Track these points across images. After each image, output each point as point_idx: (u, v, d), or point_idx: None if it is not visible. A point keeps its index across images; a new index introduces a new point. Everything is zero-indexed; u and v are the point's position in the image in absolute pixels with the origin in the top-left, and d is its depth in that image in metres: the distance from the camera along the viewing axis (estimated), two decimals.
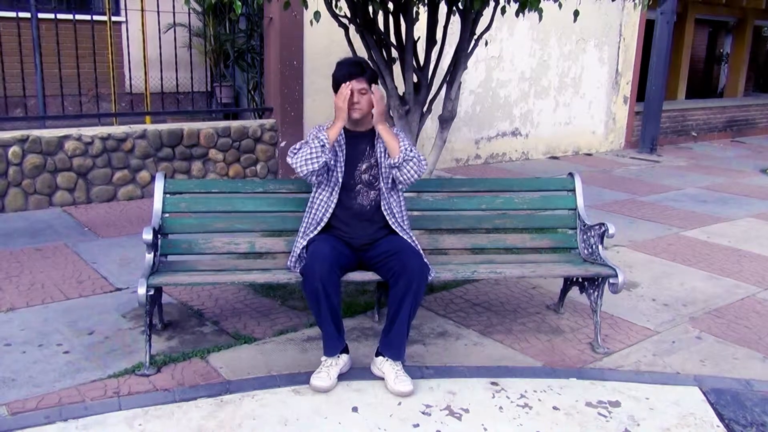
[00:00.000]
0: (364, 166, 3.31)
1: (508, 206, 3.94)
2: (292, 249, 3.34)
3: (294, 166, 3.19)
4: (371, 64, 3.39)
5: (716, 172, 9.53)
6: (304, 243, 3.25)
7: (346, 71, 3.22)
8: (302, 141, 3.27)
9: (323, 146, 3.14)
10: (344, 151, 3.30)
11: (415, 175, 3.23)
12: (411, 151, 3.22)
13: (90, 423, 2.72)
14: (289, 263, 3.32)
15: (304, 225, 3.33)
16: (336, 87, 3.26)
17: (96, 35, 6.76)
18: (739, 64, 15.74)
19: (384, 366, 3.11)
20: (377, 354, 3.18)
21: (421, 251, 3.26)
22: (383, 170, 3.31)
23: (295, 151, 3.23)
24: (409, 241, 3.28)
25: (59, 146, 6.10)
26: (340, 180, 3.27)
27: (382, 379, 3.11)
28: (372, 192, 3.31)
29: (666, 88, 11.34)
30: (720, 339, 3.84)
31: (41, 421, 2.72)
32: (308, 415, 2.84)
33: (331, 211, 3.27)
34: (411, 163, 3.20)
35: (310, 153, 3.14)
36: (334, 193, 3.27)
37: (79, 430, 2.68)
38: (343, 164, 3.28)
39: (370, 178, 3.31)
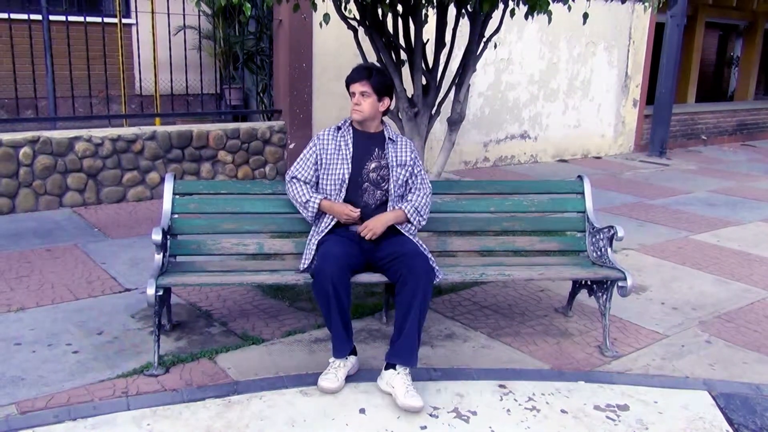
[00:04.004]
0: (372, 165, 3.34)
1: (517, 209, 3.93)
2: (304, 251, 3.36)
3: (288, 193, 3.44)
4: (384, 72, 3.50)
5: (726, 175, 9.48)
6: (317, 240, 3.28)
7: (354, 74, 3.33)
8: (290, 176, 3.43)
9: (312, 212, 3.35)
10: (351, 149, 3.34)
11: (428, 203, 3.46)
12: (418, 203, 3.37)
13: (99, 422, 2.73)
14: (302, 266, 3.30)
15: (315, 225, 3.38)
16: (347, 89, 3.38)
17: (106, 37, 6.81)
18: (749, 67, 15.66)
19: (395, 380, 2.98)
20: (386, 367, 3.06)
21: (427, 253, 3.27)
22: (394, 175, 3.34)
23: (290, 193, 3.44)
24: (415, 241, 3.31)
25: (70, 147, 6.13)
26: (347, 178, 3.30)
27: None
28: (378, 192, 3.34)
29: (676, 92, 11.29)
30: (729, 343, 3.82)
31: (50, 420, 2.74)
32: (316, 417, 2.84)
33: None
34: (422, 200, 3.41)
35: (302, 205, 3.37)
36: (342, 191, 3.30)
37: (87, 430, 2.69)
38: (350, 162, 3.32)
39: (378, 178, 3.34)
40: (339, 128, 3.42)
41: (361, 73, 3.32)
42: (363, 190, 3.32)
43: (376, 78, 3.31)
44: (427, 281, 3.06)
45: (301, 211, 3.41)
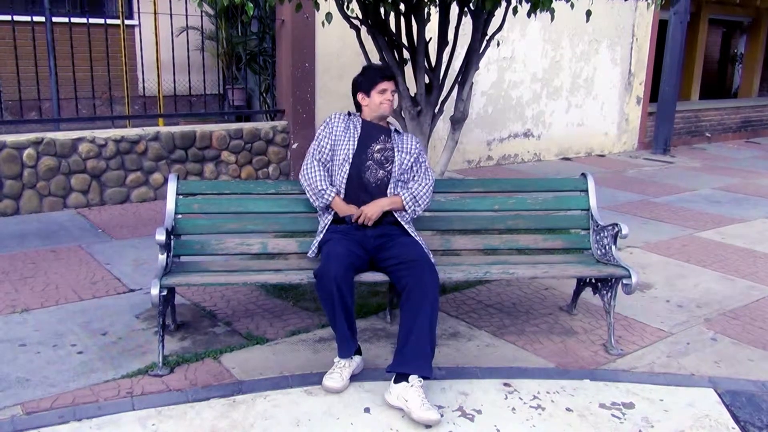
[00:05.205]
0: (377, 147, 3.45)
1: (521, 207, 3.92)
2: (317, 232, 3.45)
3: (303, 187, 3.48)
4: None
5: (730, 173, 9.45)
6: (320, 238, 3.36)
7: (387, 72, 3.51)
8: (309, 156, 3.49)
9: (324, 203, 3.39)
10: (359, 131, 3.47)
11: (428, 194, 3.50)
12: (418, 191, 3.43)
13: (103, 423, 2.74)
14: (311, 250, 3.40)
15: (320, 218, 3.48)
16: (370, 86, 3.46)
17: (110, 39, 6.82)
18: (753, 64, 15.62)
19: (408, 393, 2.83)
20: (396, 380, 2.90)
21: (428, 250, 3.28)
22: (398, 159, 3.45)
23: (306, 176, 3.46)
24: (416, 238, 3.34)
25: (73, 148, 6.14)
26: (351, 155, 3.40)
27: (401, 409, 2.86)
28: (381, 171, 3.41)
29: (679, 89, 11.27)
30: (735, 340, 3.80)
31: (55, 420, 2.74)
32: (320, 416, 2.84)
33: (344, 184, 3.38)
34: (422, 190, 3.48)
35: (316, 192, 3.40)
36: (345, 165, 3.39)
37: (92, 430, 2.69)
38: (356, 140, 3.43)
39: (382, 158, 3.43)
40: (349, 114, 3.56)
41: (392, 72, 3.55)
42: (366, 167, 3.41)
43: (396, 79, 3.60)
44: (434, 291, 3.01)
45: (310, 196, 3.44)
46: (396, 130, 3.56)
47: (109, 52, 6.79)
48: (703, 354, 3.62)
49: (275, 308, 4.02)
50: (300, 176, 3.49)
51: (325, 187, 3.38)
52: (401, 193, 3.40)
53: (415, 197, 3.40)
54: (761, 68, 15.82)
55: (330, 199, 3.37)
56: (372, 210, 3.31)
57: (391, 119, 3.69)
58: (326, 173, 3.42)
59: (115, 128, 6.66)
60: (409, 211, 3.40)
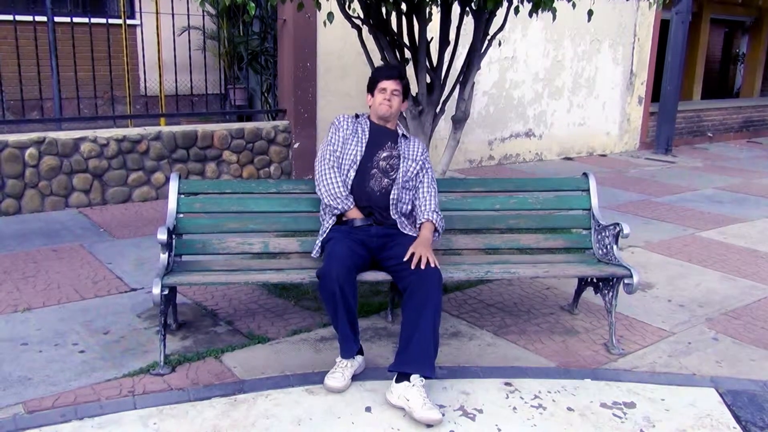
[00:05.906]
0: (383, 154, 3.42)
1: (522, 206, 3.92)
2: (319, 233, 3.44)
3: (320, 193, 3.40)
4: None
5: (732, 172, 9.45)
6: (323, 238, 3.36)
7: (388, 72, 3.45)
8: (324, 162, 3.41)
9: (342, 209, 3.34)
10: (367, 135, 3.44)
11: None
12: (434, 204, 3.46)
13: (105, 422, 2.74)
14: (315, 250, 3.40)
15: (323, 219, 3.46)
16: (373, 85, 3.45)
17: (111, 38, 6.82)
18: (755, 64, 15.61)
19: (409, 392, 2.83)
20: (398, 380, 2.90)
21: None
22: (404, 166, 3.41)
23: (324, 182, 3.37)
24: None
25: (75, 148, 6.15)
26: (358, 160, 3.38)
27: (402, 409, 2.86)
28: (385, 180, 3.39)
29: (681, 89, 11.26)
30: (736, 340, 3.80)
31: (57, 419, 2.74)
32: (322, 415, 2.84)
33: (349, 187, 3.36)
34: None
35: (335, 195, 3.33)
36: (351, 171, 3.37)
37: (94, 429, 2.69)
38: (363, 146, 3.41)
39: (387, 166, 3.41)
40: (357, 116, 3.53)
41: (395, 72, 3.45)
42: (371, 175, 3.38)
43: (405, 80, 3.47)
44: (436, 291, 3.02)
45: (327, 199, 3.34)
46: (403, 135, 3.51)
47: (110, 51, 6.79)
48: (705, 354, 3.62)
49: (277, 307, 4.02)
50: (317, 182, 3.40)
51: (346, 193, 3.34)
52: (430, 218, 3.37)
53: (438, 213, 3.43)
54: (763, 68, 15.81)
55: (351, 206, 3.34)
56: (428, 252, 3.13)
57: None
58: (341, 178, 3.36)
59: (117, 128, 6.67)
60: (440, 230, 3.43)
